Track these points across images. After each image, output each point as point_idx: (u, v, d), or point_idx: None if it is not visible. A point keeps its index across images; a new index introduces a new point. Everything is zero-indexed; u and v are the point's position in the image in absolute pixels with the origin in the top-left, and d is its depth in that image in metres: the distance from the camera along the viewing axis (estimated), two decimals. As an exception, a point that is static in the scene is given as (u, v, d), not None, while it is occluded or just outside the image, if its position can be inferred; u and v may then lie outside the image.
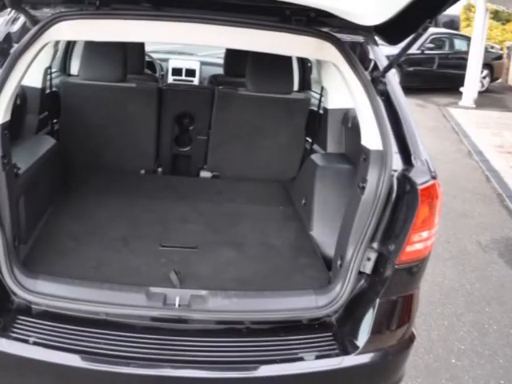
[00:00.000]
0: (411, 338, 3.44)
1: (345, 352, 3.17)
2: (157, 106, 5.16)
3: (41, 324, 3.07)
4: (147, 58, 6.82)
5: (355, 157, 3.90)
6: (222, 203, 4.86)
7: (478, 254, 7.20)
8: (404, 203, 3.18)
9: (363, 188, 3.29)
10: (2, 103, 3.10)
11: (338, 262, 3.45)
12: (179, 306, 3.16)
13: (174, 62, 7.45)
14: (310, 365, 3.14)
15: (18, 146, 3.84)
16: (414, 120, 3.51)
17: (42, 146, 4.28)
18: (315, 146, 5.28)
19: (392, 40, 3.42)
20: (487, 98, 20.65)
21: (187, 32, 3.35)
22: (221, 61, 6.81)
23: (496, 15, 29.27)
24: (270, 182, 5.38)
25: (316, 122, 5.23)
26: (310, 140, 5.39)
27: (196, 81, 7.32)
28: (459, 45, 21.93)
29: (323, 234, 4.12)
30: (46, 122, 4.97)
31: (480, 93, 20.11)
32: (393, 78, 3.68)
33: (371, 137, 3.33)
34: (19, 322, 3.07)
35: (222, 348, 3.11)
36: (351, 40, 3.72)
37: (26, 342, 2.96)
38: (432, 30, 18.93)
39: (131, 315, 3.19)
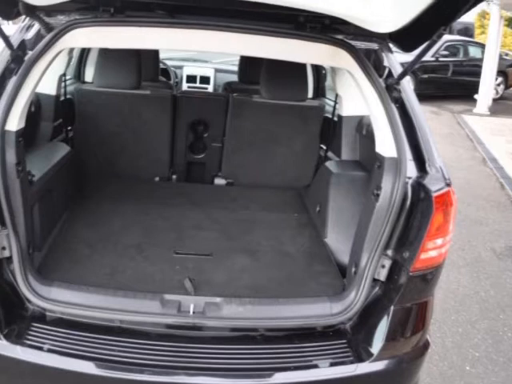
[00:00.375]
0: (426, 346, 3.42)
1: (359, 359, 3.16)
2: (171, 113, 5.17)
3: (55, 331, 3.07)
4: (161, 66, 6.83)
5: (369, 164, 3.90)
6: (236, 210, 4.85)
7: (492, 261, 7.16)
8: (418, 210, 3.17)
9: (377, 195, 3.28)
10: (17, 110, 3.11)
11: (353, 269, 3.45)
12: (193, 313, 3.16)
13: (189, 69, 7.46)
14: (325, 372, 3.13)
15: (32, 153, 3.86)
16: (428, 127, 3.50)
17: (56, 154, 4.29)
18: (329, 153, 5.27)
19: (406, 47, 3.39)
20: (502, 105, 20.58)
21: (202, 39, 3.34)
22: (235, 68, 6.87)
23: (510, 22, 29.18)
24: (285, 189, 5.37)
25: (330, 129, 5.22)
26: (324, 147, 5.38)
27: (210, 88, 7.33)
28: (473, 52, 21.86)
29: (337, 241, 4.12)
30: (60, 129, 4.99)
31: (494, 100, 20.07)
32: (407, 85, 3.68)
33: (385, 144, 3.31)
34: (34, 329, 3.07)
35: (236, 355, 3.10)
36: (366, 47, 3.71)
37: (40, 349, 2.96)
38: (446, 37, 18.92)
39: (145, 322, 3.19)
